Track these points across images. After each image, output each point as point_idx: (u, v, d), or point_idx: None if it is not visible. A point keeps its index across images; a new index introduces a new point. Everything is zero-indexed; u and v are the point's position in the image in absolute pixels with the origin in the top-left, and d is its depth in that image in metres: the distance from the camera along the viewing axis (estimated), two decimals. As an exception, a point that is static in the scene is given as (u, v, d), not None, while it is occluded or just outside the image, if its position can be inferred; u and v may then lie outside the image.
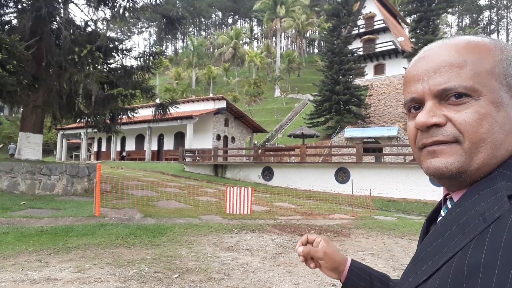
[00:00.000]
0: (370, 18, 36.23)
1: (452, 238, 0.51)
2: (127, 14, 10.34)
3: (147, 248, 6.01)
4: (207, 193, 13.40)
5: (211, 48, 75.86)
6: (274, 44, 62.23)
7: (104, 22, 10.75)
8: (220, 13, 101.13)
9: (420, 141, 0.58)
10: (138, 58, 12.45)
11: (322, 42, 73.41)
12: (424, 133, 0.57)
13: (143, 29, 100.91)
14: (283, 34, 58.21)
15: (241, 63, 62.19)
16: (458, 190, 0.58)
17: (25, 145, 10.55)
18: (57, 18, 10.91)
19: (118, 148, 30.05)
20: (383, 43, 34.90)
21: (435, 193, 14.07)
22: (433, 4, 26.39)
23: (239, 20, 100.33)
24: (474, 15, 73.23)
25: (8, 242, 5.86)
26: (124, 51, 12.24)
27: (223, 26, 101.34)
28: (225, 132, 26.54)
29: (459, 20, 78.58)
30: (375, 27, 36.29)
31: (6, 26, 9.80)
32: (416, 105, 0.59)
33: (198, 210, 9.69)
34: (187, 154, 21.25)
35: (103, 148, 32.44)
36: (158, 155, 27.89)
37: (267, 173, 17.94)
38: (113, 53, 11.80)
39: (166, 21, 13.32)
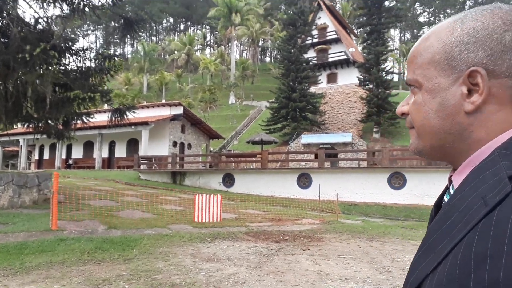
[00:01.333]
0: (323, 29, 37.50)
1: (455, 224, 0.49)
2: (86, 10, 9.58)
3: (120, 263, 5.47)
4: (170, 201, 12.78)
5: (163, 54, 74.00)
6: (227, 52, 62.13)
7: (59, 19, 9.87)
8: (171, 19, 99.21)
9: None
10: (93, 60, 11.68)
11: (275, 50, 74.81)
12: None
13: (89, 32, 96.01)
14: (236, 42, 58.40)
15: (194, 69, 61.28)
16: (457, 170, 0.58)
17: (-37, 152, 9.34)
18: (4, 14, 9.88)
19: (64, 156, 27.99)
20: (335, 53, 36.22)
21: (393, 196, 14.65)
22: (383, 19, 27.90)
23: (191, 27, 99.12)
24: (414, 30, 78.77)
25: (-50, 264, 5.03)
26: (79, 52, 11.40)
27: (174, 32, 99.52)
28: (181, 138, 25.75)
29: (402, 35, 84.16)
30: (328, 37, 37.60)
31: None
32: None
33: (165, 220, 9.15)
34: (142, 161, 20.29)
35: (46, 156, 30.07)
36: (109, 162, 26.40)
37: (228, 180, 17.61)
38: (66, 54, 10.90)
39: (124, 22, 12.64)
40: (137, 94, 50.58)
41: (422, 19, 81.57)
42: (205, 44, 78.33)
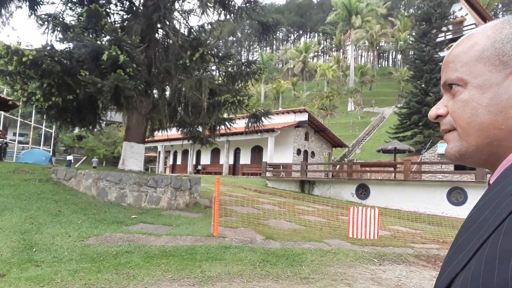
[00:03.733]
0: (459, 23, 33.18)
1: (485, 222, 0.49)
2: (242, 15, 9.63)
3: (298, 283, 4.85)
4: (307, 212, 12.11)
5: (277, 63, 75.71)
6: (344, 57, 60.23)
7: (214, 25, 10.16)
8: (284, 29, 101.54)
9: None
10: (234, 67, 11.87)
11: (394, 52, 69.89)
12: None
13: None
14: (353, 46, 56.15)
15: (308, 77, 61.00)
16: (496, 171, 0.57)
17: (129, 155, 10.17)
18: (163, 25, 10.60)
19: (194, 162, 30.12)
20: (474, 50, 31.51)
21: None
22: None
23: (304, 35, 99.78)
24: None
25: (136, 264, 5.06)
26: (225, 58, 11.68)
27: (287, 41, 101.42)
28: (305, 146, 25.23)
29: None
30: (465, 32, 33.06)
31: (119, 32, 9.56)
32: None
33: (316, 232, 8.44)
34: (269, 168, 20.26)
35: (178, 161, 32.85)
36: (234, 169, 27.37)
37: (362, 191, 16.24)
38: (214, 60, 11.23)
39: (262, 27, 12.61)
40: (255, 103, 52.40)
41: None
42: (319, 51, 77.62)
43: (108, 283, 4.23)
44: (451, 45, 0.68)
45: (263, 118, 12.67)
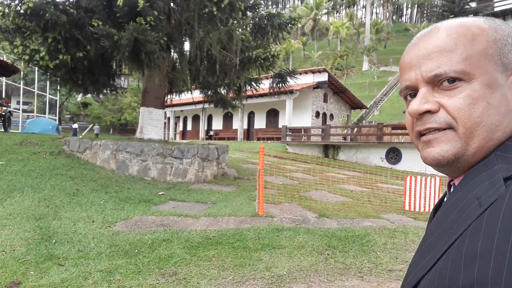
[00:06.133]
0: (488, -28, 30.43)
1: (451, 225, 0.49)
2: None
3: (388, 279, 3.85)
4: (342, 180, 11.12)
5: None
6: (357, 13, 56.99)
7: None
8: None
9: (415, 129, 0.57)
10: (259, 19, 10.43)
11: (409, 8, 66.19)
12: (418, 121, 0.56)
13: None
14: (368, 1, 52.75)
15: (319, 36, 58.17)
16: (459, 176, 0.56)
17: (148, 122, 9.05)
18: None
19: (205, 127, 29.01)
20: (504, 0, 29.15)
21: None
22: None
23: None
24: None
25: (181, 259, 4.07)
26: (249, 8, 10.23)
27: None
28: (324, 108, 23.87)
29: None
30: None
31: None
32: (411, 92, 0.58)
33: (367, 206, 7.44)
34: (288, 132, 19.12)
35: (189, 127, 31.77)
36: (248, 134, 26.27)
37: (393, 155, 15.15)
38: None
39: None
40: (263, 64, 50.28)
41: None
42: (330, 7, 73.57)
43: (156, 292, 3.24)
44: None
45: (288, 78, 11.41)
